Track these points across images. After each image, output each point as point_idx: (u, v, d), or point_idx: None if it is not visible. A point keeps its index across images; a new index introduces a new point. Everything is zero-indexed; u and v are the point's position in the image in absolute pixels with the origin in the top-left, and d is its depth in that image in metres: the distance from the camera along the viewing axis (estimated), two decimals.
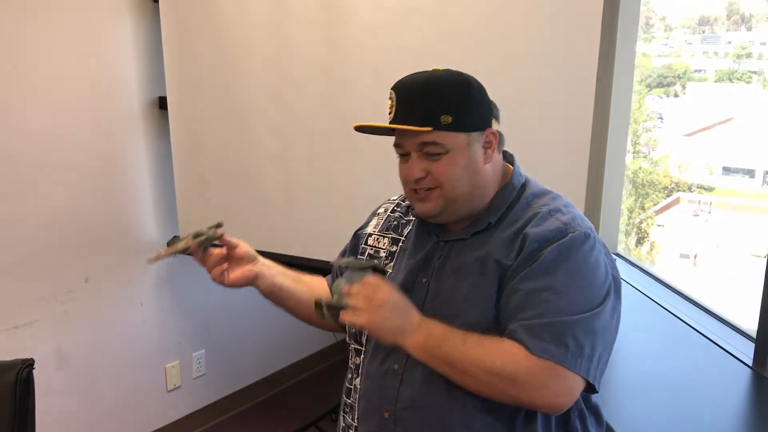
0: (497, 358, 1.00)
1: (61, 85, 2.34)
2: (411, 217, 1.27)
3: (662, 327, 2.04)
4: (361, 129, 1.15)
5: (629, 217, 3.15)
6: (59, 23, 2.31)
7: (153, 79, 2.60)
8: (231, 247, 1.27)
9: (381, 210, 1.35)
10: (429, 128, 1.07)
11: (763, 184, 3.32)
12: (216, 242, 1.25)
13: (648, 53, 3.17)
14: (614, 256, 1.95)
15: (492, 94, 1.15)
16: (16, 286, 2.31)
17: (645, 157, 3.41)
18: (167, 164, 2.65)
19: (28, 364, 1.51)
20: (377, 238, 1.29)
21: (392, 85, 1.13)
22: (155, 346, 2.81)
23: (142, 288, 2.73)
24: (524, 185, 1.18)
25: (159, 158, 2.67)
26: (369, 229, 1.33)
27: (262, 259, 1.31)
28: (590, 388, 1.04)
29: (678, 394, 1.65)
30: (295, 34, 2.24)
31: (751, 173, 3.40)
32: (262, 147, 2.40)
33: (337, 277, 1.34)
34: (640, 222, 3.33)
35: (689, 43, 3.29)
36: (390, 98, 1.12)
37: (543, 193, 1.17)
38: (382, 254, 1.26)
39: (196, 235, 1.24)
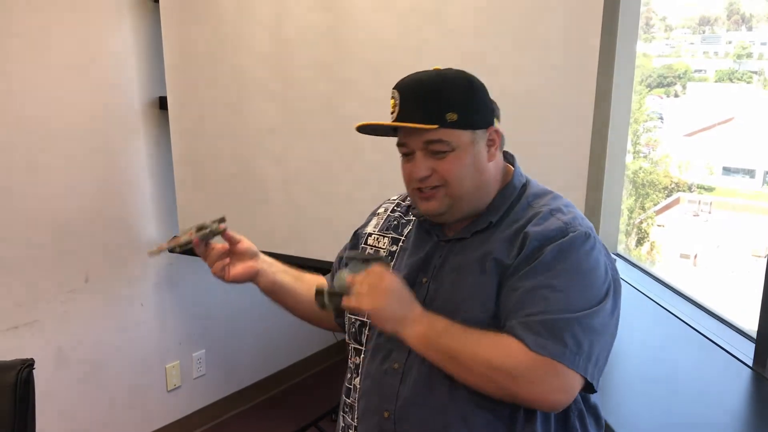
0: (496, 352, 1.01)
1: (61, 85, 2.34)
2: (411, 217, 1.27)
3: (662, 327, 2.04)
4: (363, 130, 1.15)
5: (629, 217, 3.15)
6: (59, 23, 2.31)
7: (153, 79, 2.60)
8: (233, 243, 1.27)
9: (381, 210, 1.35)
10: (435, 126, 1.07)
11: (763, 185, 3.32)
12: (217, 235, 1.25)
13: (648, 53, 3.17)
14: (614, 257, 1.95)
15: (492, 94, 1.15)
16: (16, 286, 2.31)
17: (645, 157, 3.41)
18: (167, 164, 2.65)
19: (28, 365, 1.51)
20: (377, 238, 1.29)
21: (392, 84, 1.13)
22: (155, 346, 2.81)
23: (142, 288, 2.73)
24: (525, 185, 1.18)
25: (159, 158, 2.67)
26: (369, 229, 1.33)
27: (263, 256, 1.31)
28: (589, 388, 1.04)
29: (678, 394, 1.65)
30: (295, 34, 2.24)
31: (751, 173, 3.40)
32: (262, 147, 2.40)
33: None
34: (641, 222, 3.33)
35: (691, 43, 3.29)
36: (392, 97, 1.12)
37: (544, 194, 1.17)
38: (382, 254, 1.26)
39: (200, 228, 1.23)
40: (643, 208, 3.34)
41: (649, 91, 3.26)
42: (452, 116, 1.07)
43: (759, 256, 2.96)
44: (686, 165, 3.44)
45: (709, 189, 3.44)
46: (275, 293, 1.32)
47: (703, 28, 3.34)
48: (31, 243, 2.33)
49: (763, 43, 3.14)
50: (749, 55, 3.20)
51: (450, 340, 1.04)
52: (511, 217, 1.13)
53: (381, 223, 1.31)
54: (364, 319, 1.21)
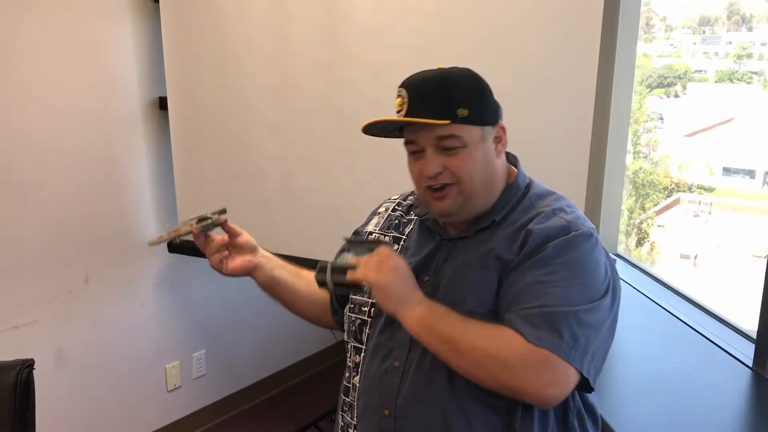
0: (494, 341, 1.01)
1: (62, 86, 2.34)
2: (412, 216, 1.27)
3: (662, 327, 2.04)
4: (368, 131, 1.14)
5: (629, 218, 3.15)
6: (59, 23, 2.31)
7: (153, 79, 2.60)
8: (233, 235, 1.27)
9: (381, 209, 1.35)
10: (447, 121, 1.07)
11: (763, 185, 3.32)
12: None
13: (648, 53, 3.17)
14: (614, 257, 1.95)
15: None
16: (16, 286, 2.31)
17: (645, 157, 3.41)
18: (167, 164, 2.65)
19: (28, 365, 1.51)
20: (378, 237, 1.29)
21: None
22: (155, 346, 2.81)
23: (142, 288, 2.73)
24: (529, 185, 1.19)
25: (159, 158, 2.67)
26: (370, 228, 1.33)
27: (262, 251, 1.31)
28: (586, 387, 1.04)
29: (678, 394, 1.65)
30: (295, 34, 2.24)
31: (751, 174, 3.40)
32: (262, 147, 2.40)
33: None
34: (641, 222, 3.33)
35: (694, 43, 3.29)
36: (399, 95, 1.11)
37: (547, 194, 1.17)
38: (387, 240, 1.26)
39: (200, 220, 1.23)
40: (643, 209, 3.34)
41: (650, 91, 3.26)
42: (463, 112, 1.07)
43: (759, 257, 2.96)
44: (686, 165, 3.44)
45: (710, 189, 3.44)
46: (272, 288, 1.33)
47: (703, 29, 3.34)
48: (31, 243, 2.33)
49: (764, 44, 3.14)
50: (749, 56, 3.20)
51: (448, 325, 1.04)
52: (514, 216, 1.14)
53: (382, 222, 1.31)
54: (365, 318, 1.21)
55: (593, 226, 1.12)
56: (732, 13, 3.29)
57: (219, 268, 1.27)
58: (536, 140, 1.82)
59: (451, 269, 1.14)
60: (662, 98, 3.36)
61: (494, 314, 1.06)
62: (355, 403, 1.21)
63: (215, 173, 2.53)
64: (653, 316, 2.10)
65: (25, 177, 2.29)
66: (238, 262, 1.27)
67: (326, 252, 1.29)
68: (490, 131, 1.13)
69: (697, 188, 3.47)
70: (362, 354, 1.22)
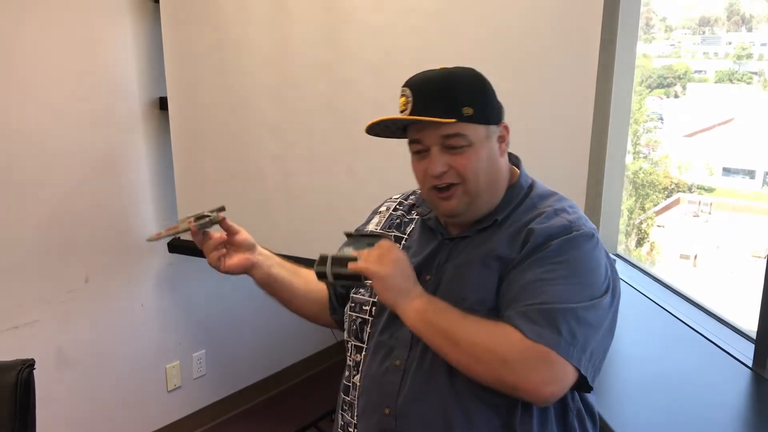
0: (492, 337, 1.01)
1: (62, 85, 2.34)
2: (414, 216, 1.27)
3: (662, 328, 2.04)
4: (371, 130, 1.14)
5: (629, 218, 3.15)
6: (59, 23, 2.31)
7: (153, 79, 2.60)
8: (231, 233, 1.27)
9: (383, 208, 1.35)
10: (453, 119, 1.07)
11: (763, 185, 3.32)
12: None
13: (648, 54, 3.17)
14: (614, 257, 1.95)
15: None
16: (16, 286, 2.31)
17: (645, 157, 3.41)
18: (167, 164, 2.65)
19: (29, 365, 1.51)
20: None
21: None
22: (155, 346, 2.81)
23: (142, 288, 2.73)
24: (531, 186, 1.19)
25: (159, 158, 2.67)
26: (371, 227, 1.33)
27: (260, 249, 1.31)
28: (584, 386, 1.04)
29: (678, 395, 1.65)
30: (295, 34, 2.24)
31: (751, 174, 3.40)
32: (262, 147, 2.40)
33: None
34: (640, 223, 3.33)
35: (696, 44, 3.29)
36: (403, 95, 1.11)
37: (549, 195, 1.18)
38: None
39: (198, 218, 1.23)
40: (643, 209, 3.34)
41: (650, 91, 3.26)
42: (468, 110, 1.08)
43: (759, 257, 2.96)
44: (686, 166, 3.44)
45: (709, 190, 3.44)
46: (270, 286, 1.32)
47: (703, 29, 3.34)
48: (31, 243, 2.33)
49: (763, 44, 3.14)
50: (749, 56, 3.20)
51: (447, 320, 1.04)
52: (516, 216, 1.14)
53: (383, 221, 1.31)
54: (366, 317, 1.21)
55: (594, 227, 1.12)
56: (732, 14, 3.29)
57: (217, 266, 1.27)
58: (536, 140, 1.82)
59: (452, 268, 1.14)
60: (662, 98, 3.36)
61: (494, 312, 1.07)
62: (356, 402, 1.20)
63: (215, 173, 2.53)
64: (653, 316, 2.10)
65: (25, 177, 2.29)
66: (235, 259, 1.27)
67: (326, 252, 1.28)
68: (495, 130, 1.13)
69: (697, 188, 3.48)
70: (363, 353, 1.21)
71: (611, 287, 1.08)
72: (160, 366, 2.84)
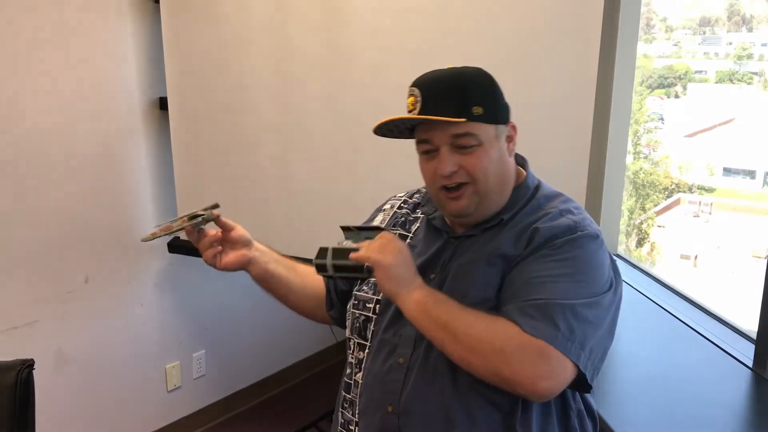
0: (490, 329, 1.01)
1: (62, 85, 2.34)
2: (418, 215, 1.27)
3: (662, 328, 2.04)
4: (379, 131, 1.13)
5: (630, 218, 3.15)
6: (59, 23, 2.30)
7: (153, 80, 2.60)
8: (226, 230, 1.26)
9: (387, 206, 1.35)
10: (464, 119, 1.07)
11: (763, 185, 3.32)
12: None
13: (649, 54, 3.17)
14: (614, 257, 1.95)
15: None
16: (16, 286, 2.31)
17: (646, 158, 3.41)
18: (167, 164, 2.65)
19: (28, 365, 1.51)
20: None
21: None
22: (155, 346, 2.81)
23: (142, 288, 2.73)
24: (538, 187, 1.19)
25: (159, 158, 2.67)
26: (374, 224, 1.32)
27: (256, 244, 1.30)
28: (584, 386, 1.04)
29: (678, 395, 1.65)
30: (295, 34, 2.24)
31: (751, 174, 3.40)
32: (262, 147, 2.40)
33: None
34: (641, 223, 3.33)
35: (698, 44, 3.30)
36: (412, 94, 1.11)
37: (555, 196, 1.18)
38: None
39: (193, 216, 1.22)
40: (643, 209, 3.34)
41: (650, 92, 3.27)
42: (478, 110, 1.07)
43: (759, 257, 2.96)
44: (687, 166, 3.44)
45: (710, 190, 3.44)
46: (267, 282, 1.32)
47: (703, 29, 3.35)
48: (30, 243, 2.33)
49: (764, 44, 3.14)
50: (750, 57, 3.20)
51: (446, 311, 1.04)
52: (521, 216, 1.14)
53: (388, 219, 1.31)
54: (370, 315, 1.21)
55: (599, 228, 1.12)
56: (732, 14, 3.29)
57: (213, 264, 1.26)
58: (536, 140, 1.81)
59: (457, 266, 1.14)
60: (662, 99, 3.36)
61: (496, 310, 1.06)
62: (357, 400, 1.20)
63: (215, 173, 2.53)
64: (653, 316, 2.10)
65: (25, 177, 2.29)
66: (231, 256, 1.26)
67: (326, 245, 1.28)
68: (503, 130, 1.13)
69: (698, 189, 3.48)
70: (366, 350, 1.21)
71: (613, 287, 1.08)
72: (160, 366, 2.84)
